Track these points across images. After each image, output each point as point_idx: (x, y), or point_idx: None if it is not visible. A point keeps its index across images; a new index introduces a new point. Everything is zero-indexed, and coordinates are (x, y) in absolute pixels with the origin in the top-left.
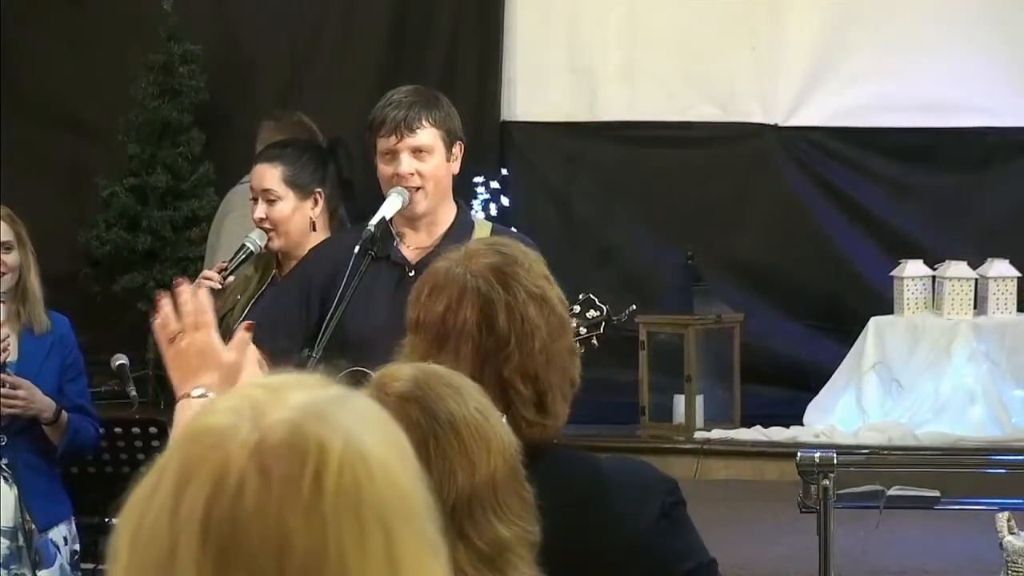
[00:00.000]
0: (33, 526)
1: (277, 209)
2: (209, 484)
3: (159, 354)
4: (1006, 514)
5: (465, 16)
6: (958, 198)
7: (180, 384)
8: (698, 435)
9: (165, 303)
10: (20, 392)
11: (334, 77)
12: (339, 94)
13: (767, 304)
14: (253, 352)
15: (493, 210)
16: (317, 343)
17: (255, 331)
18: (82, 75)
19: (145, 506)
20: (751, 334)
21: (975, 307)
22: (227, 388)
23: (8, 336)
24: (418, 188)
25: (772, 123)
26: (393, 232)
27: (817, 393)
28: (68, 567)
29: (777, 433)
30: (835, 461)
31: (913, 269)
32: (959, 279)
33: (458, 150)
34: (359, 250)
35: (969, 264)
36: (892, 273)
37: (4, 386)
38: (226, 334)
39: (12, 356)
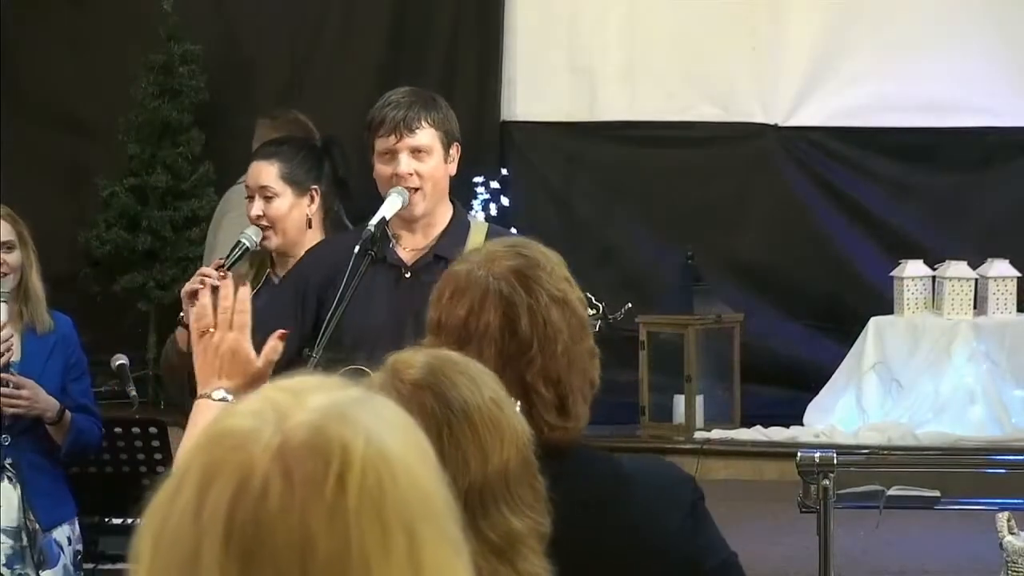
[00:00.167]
0: (37, 526)
1: (274, 206)
2: (232, 486)
3: (159, 354)
4: (1006, 514)
5: (465, 16)
6: (958, 198)
7: (203, 381)
8: (698, 435)
9: (205, 294)
10: (23, 392)
11: (334, 77)
12: (339, 94)
13: (767, 304)
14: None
15: (493, 210)
16: (317, 343)
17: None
18: (82, 75)
19: (168, 509)
20: (751, 334)
21: (975, 307)
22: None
23: (11, 336)
24: (416, 189)
25: (772, 123)
26: (389, 234)
27: (817, 393)
28: (71, 567)
29: (777, 433)
30: (835, 461)
31: (913, 269)
32: (959, 279)
33: (455, 151)
34: (359, 250)
35: (969, 264)
36: (892, 273)
37: (7, 386)
38: None
39: (15, 356)
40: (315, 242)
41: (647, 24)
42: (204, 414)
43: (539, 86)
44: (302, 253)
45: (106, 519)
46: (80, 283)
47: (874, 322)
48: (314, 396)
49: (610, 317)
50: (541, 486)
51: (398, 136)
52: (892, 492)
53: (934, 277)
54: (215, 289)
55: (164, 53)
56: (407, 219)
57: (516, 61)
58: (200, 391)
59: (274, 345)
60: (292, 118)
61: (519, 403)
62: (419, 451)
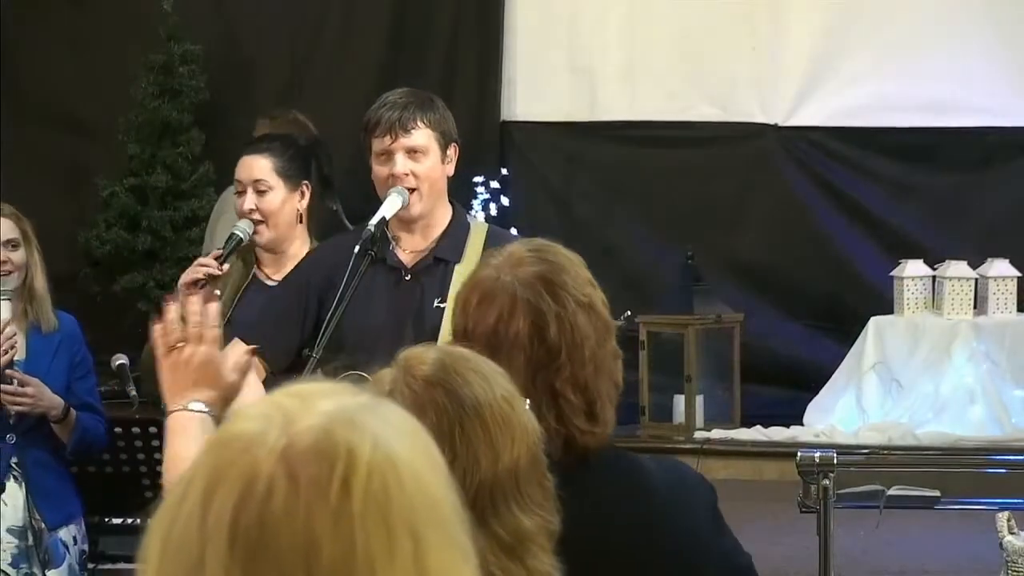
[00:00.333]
0: (43, 525)
1: (268, 200)
2: (237, 489)
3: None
4: (1006, 514)
5: (465, 16)
6: (958, 198)
7: (174, 395)
8: (698, 435)
9: (171, 309)
10: (28, 390)
11: (334, 77)
12: (339, 94)
13: (767, 304)
14: (255, 376)
15: (493, 210)
16: (317, 344)
17: (252, 336)
18: (82, 75)
19: (175, 512)
20: (751, 334)
21: (975, 307)
22: (224, 408)
23: (15, 334)
24: (413, 189)
25: (772, 123)
26: (389, 236)
27: (817, 393)
28: (76, 567)
29: (777, 433)
30: (835, 461)
31: (913, 269)
32: (959, 279)
33: (453, 152)
34: (359, 250)
35: (969, 264)
36: (892, 273)
37: (11, 383)
38: None
39: (20, 354)
40: (303, 238)
41: (647, 24)
42: (187, 426)
43: (539, 86)
44: (291, 249)
45: (106, 519)
46: (80, 283)
47: (874, 322)
48: (323, 401)
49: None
50: (550, 484)
51: (393, 136)
52: (892, 492)
53: (934, 277)
54: (214, 279)
55: (164, 53)
56: (406, 220)
57: (516, 61)
58: (172, 405)
59: (246, 359)
60: (292, 118)
61: (535, 406)
62: (427, 457)
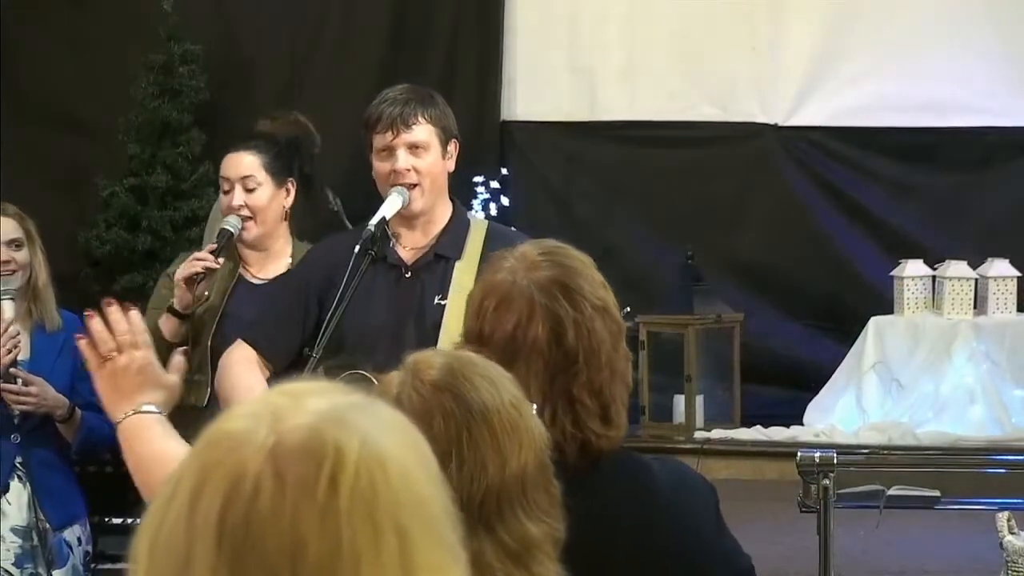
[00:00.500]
0: (47, 525)
1: (256, 196)
2: (224, 487)
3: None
4: (1006, 514)
5: (465, 16)
6: (958, 198)
7: (118, 403)
8: (698, 435)
9: (96, 322)
10: (32, 389)
11: (334, 77)
12: (339, 94)
13: (767, 304)
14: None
15: (493, 210)
16: (317, 343)
17: (254, 335)
18: (82, 75)
19: (164, 511)
20: (751, 334)
21: (975, 307)
22: (168, 409)
23: (18, 333)
24: (415, 185)
25: (772, 123)
26: (389, 233)
27: (817, 393)
28: (81, 567)
29: (777, 433)
30: (835, 461)
31: (913, 269)
32: (959, 279)
33: (453, 148)
34: (359, 250)
35: (969, 264)
36: (892, 273)
37: (16, 382)
38: (199, 328)
39: (24, 354)
40: (286, 236)
41: (647, 24)
42: (148, 426)
43: (539, 86)
44: (275, 246)
45: (106, 519)
46: (80, 283)
47: (874, 322)
48: (313, 400)
49: None
50: (557, 491)
51: (395, 132)
52: (892, 492)
53: (934, 277)
54: (211, 272)
55: (164, 53)
56: (407, 216)
57: (516, 61)
58: (120, 411)
59: (179, 358)
60: (292, 119)
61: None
62: (417, 455)
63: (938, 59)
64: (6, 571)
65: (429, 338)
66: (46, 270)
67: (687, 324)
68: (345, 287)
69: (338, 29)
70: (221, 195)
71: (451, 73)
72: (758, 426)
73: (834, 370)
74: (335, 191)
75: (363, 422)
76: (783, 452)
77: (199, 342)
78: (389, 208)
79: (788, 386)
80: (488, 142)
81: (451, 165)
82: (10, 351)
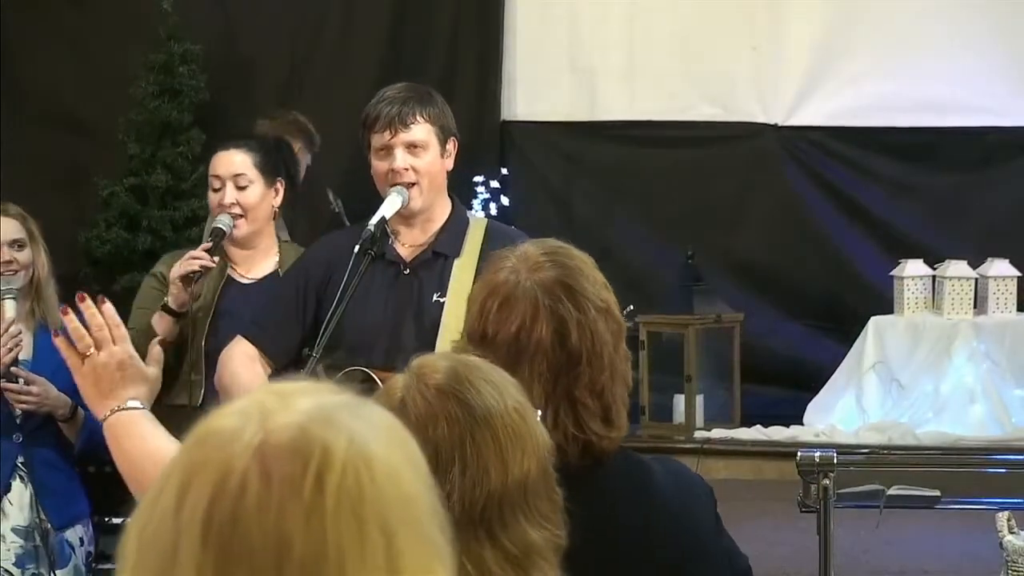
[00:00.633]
0: (49, 525)
1: (247, 194)
2: (211, 485)
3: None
4: (1006, 514)
5: (465, 16)
6: (958, 198)
7: (101, 399)
8: (698, 435)
9: (71, 319)
10: (33, 388)
11: (334, 77)
12: (339, 94)
13: (767, 304)
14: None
15: (493, 210)
16: (317, 342)
17: (255, 333)
18: (82, 75)
19: (152, 508)
20: (751, 334)
21: (975, 307)
22: (151, 402)
23: (20, 332)
24: (413, 184)
25: (772, 123)
26: (388, 230)
27: (817, 393)
28: (83, 568)
29: (777, 433)
30: (835, 461)
31: (913, 269)
32: (959, 279)
33: (452, 147)
34: (359, 249)
35: (969, 264)
36: (892, 273)
37: (17, 382)
38: (192, 327)
39: (27, 354)
40: (272, 236)
41: (647, 24)
42: (136, 422)
43: (539, 86)
44: (261, 245)
45: (106, 518)
46: (80, 283)
47: (874, 322)
48: (302, 399)
49: None
50: (559, 498)
51: (393, 131)
52: (892, 492)
53: (934, 277)
54: (207, 270)
55: (164, 53)
56: (405, 215)
57: (516, 61)
58: (105, 408)
59: (158, 349)
60: (292, 119)
61: (553, 413)
62: (405, 455)
63: (938, 59)
64: (7, 571)
65: (427, 335)
66: (50, 270)
67: (687, 324)
68: (345, 287)
69: (338, 29)
70: (210, 193)
71: (451, 73)
72: (758, 426)
73: (834, 370)
74: (335, 191)
75: (351, 422)
76: (783, 452)
77: (193, 341)
78: (389, 208)
79: (788, 386)
80: (488, 142)
81: (450, 164)
82: (11, 350)
